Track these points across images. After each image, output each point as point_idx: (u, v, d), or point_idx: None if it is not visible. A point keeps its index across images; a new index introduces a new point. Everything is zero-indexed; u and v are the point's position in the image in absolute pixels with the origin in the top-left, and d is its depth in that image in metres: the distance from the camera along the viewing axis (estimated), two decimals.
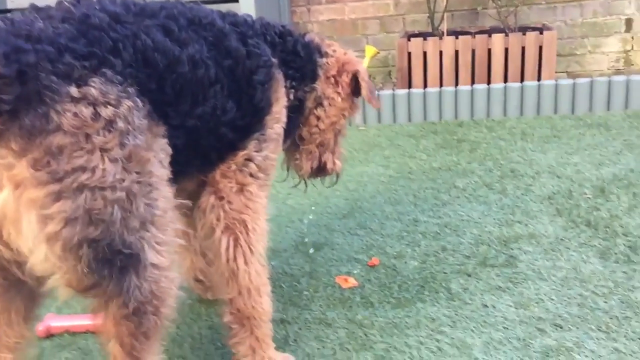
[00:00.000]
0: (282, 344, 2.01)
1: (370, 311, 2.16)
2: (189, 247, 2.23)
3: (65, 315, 2.24)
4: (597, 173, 3.23)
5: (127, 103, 1.36)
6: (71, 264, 1.30)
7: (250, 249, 1.81)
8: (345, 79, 2.23)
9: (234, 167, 1.82)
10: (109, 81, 1.34)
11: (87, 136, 1.27)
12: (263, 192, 1.88)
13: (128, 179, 1.35)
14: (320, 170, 2.33)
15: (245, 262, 1.80)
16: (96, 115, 1.29)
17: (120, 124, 1.33)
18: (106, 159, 1.30)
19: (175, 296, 1.53)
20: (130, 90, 1.39)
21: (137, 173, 1.38)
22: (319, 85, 2.20)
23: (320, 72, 2.21)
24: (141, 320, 1.45)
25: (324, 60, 2.23)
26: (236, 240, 1.80)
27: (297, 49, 2.10)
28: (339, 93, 2.23)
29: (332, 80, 2.24)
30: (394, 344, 1.96)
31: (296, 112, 2.13)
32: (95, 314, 1.48)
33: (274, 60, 1.97)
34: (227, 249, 1.79)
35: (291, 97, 2.08)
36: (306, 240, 2.76)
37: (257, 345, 1.85)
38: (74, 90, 1.27)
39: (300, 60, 2.11)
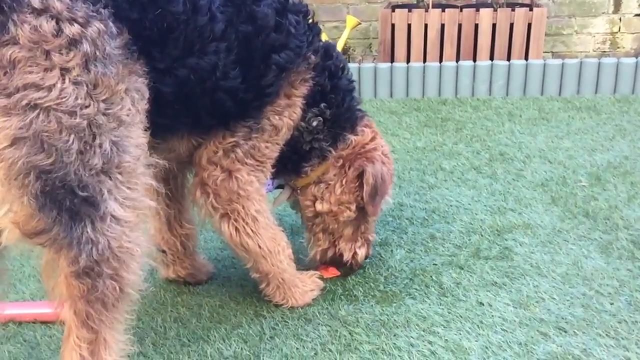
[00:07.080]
0: (256, 341, 1.80)
1: (354, 306, 1.95)
2: (155, 211, 1.99)
3: (11, 302, 1.97)
4: (591, 159, 3.06)
5: (97, 25, 1.21)
6: (15, 193, 1.19)
7: (252, 230, 1.80)
8: (350, 174, 1.99)
9: (220, 152, 1.73)
10: None
11: (46, 53, 1.16)
12: (255, 176, 1.78)
13: (93, 107, 1.21)
14: (337, 261, 2.11)
15: (253, 239, 1.81)
16: (58, 32, 1.17)
17: (86, 47, 1.19)
18: (67, 79, 1.18)
19: (141, 261, 1.37)
20: (104, 11, 1.24)
21: (105, 103, 1.24)
22: (330, 158, 1.98)
23: (339, 145, 1.97)
24: (95, 283, 1.30)
25: (350, 136, 1.98)
26: (236, 228, 1.79)
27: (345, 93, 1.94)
28: (341, 184, 1.98)
29: (340, 164, 1.99)
30: (381, 345, 1.76)
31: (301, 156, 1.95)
32: (47, 272, 1.33)
33: (311, 56, 1.77)
34: (231, 235, 1.80)
35: (314, 123, 1.89)
36: (285, 223, 2.54)
37: (289, 293, 1.93)
38: (35, 1, 1.15)
39: (339, 105, 1.92)
